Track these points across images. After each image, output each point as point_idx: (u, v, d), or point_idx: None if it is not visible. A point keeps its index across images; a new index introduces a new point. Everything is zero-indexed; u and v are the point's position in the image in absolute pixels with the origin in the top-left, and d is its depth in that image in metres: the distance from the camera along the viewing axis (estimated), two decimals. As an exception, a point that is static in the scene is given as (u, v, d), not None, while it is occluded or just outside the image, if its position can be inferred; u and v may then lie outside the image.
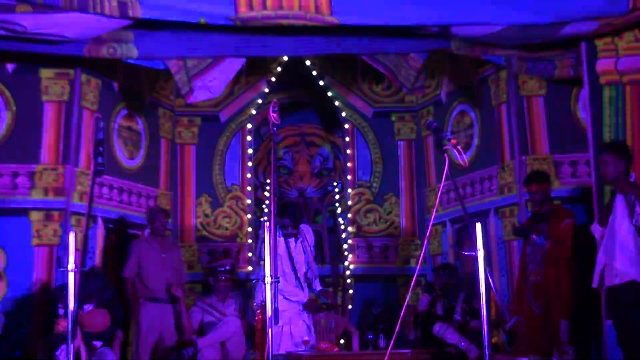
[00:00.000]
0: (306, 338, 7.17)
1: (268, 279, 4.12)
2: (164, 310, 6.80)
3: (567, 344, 5.90)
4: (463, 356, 6.71)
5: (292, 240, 6.58)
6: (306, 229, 6.72)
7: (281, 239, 6.53)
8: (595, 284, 5.24)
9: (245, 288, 8.09)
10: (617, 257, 5.07)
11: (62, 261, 6.50)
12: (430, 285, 7.52)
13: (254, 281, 6.20)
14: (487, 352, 3.72)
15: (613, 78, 6.06)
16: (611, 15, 5.63)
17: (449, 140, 3.91)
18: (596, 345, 6.11)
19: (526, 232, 6.12)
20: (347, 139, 9.03)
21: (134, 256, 6.86)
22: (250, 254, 8.58)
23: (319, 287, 6.78)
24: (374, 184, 9.01)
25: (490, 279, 3.82)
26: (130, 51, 6.06)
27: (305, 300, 6.62)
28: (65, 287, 5.75)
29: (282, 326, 6.43)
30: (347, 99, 9.08)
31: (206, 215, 8.74)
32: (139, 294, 6.83)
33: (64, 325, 6.05)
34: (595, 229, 5.34)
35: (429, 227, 5.77)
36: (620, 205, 5.12)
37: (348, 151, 9.01)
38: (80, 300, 6.01)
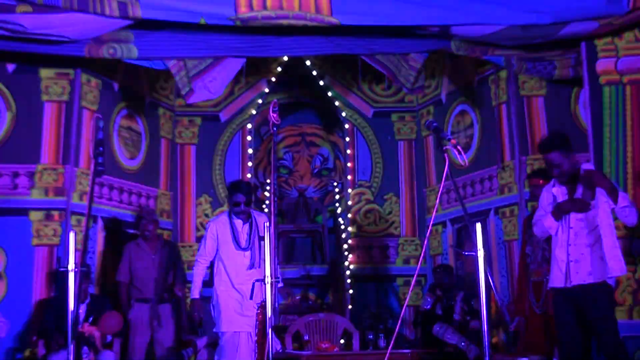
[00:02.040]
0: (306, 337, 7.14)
1: (268, 279, 4.12)
2: (155, 311, 6.77)
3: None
4: (463, 356, 6.71)
5: (239, 222, 6.02)
6: (260, 219, 6.09)
7: (225, 218, 6.04)
8: (560, 282, 4.91)
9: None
10: (608, 255, 4.79)
11: (62, 261, 6.51)
12: (434, 286, 7.52)
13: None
14: (487, 352, 3.71)
15: (613, 78, 6.06)
16: (611, 15, 5.64)
17: (449, 140, 3.91)
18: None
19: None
20: (347, 139, 9.04)
21: (126, 259, 6.87)
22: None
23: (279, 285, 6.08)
24: (374, 184, 9.01)
25: (490, 279, 3.82)
26: (130, 51, 6.06)
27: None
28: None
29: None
30: (347, 99, 9.08)
31: (206, 215, 8.74)
32: (131, 295, 6.83)
33: (89, 329, 6.12)
34: (551, 224, 4.97)
35: (429, 227, 5.76)
36: (601, 198, 4.85)
37: (348, 151, 9.01)
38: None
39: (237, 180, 6.68)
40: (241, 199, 5.93)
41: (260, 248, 5.98)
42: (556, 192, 5.06)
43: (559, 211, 4.95)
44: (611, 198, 4.79)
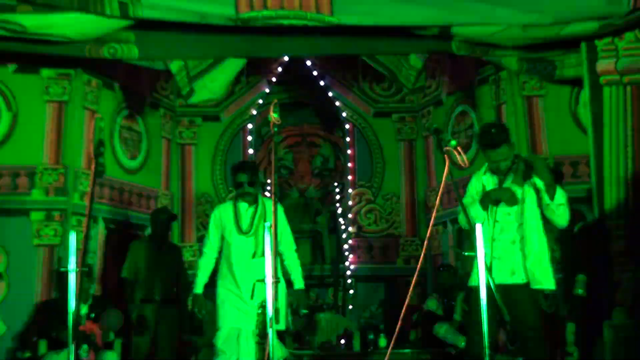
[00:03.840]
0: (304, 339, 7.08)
1: (269, 279, 4.12)
2: (159, 311, 6.76)
3: (572, 344, 5.88)
4: (463, 356, 6.71)
5: (244, 205, 5.49)
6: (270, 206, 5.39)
7: (229, 203, 5.57)
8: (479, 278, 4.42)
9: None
10: (535, 264, 4.48)
11: (62, 261, 6.50)
12: (440, 287, 7.51)
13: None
14: (487, 352, 3.72)
15: (613, 78, 6.07)
16: (612, 16, 5.65)
17: (449, 141, 3.91)
18: (599, 346, 6.09)
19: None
20: (348, 139, 9.04)
21: (131, 257, 6.86)
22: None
23: (299, 286, 5.75)
24: (375, 184, 9.01)
25: (490, 280, 3.82)
26: (131, 51, 6.07)
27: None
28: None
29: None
30: (347, 99, 9.09)
31: (207, 215, 8.73)
32: (134, 295, 6.83)
33: (90, 327, 6.13)
34: (476, 214, 4.57)
35: (429, 227, 5.80)
36: (533, 191, 4.50)
37: (349, 151, 9.02)
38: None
39: (240, 160, 6.30)
40: (243, 178, 5.43)
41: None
42: (486, 180, 4.71)
43: (487, 200, 4.57)
44: (548, 193, 4.42)
